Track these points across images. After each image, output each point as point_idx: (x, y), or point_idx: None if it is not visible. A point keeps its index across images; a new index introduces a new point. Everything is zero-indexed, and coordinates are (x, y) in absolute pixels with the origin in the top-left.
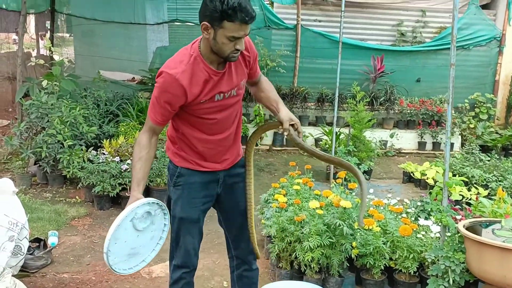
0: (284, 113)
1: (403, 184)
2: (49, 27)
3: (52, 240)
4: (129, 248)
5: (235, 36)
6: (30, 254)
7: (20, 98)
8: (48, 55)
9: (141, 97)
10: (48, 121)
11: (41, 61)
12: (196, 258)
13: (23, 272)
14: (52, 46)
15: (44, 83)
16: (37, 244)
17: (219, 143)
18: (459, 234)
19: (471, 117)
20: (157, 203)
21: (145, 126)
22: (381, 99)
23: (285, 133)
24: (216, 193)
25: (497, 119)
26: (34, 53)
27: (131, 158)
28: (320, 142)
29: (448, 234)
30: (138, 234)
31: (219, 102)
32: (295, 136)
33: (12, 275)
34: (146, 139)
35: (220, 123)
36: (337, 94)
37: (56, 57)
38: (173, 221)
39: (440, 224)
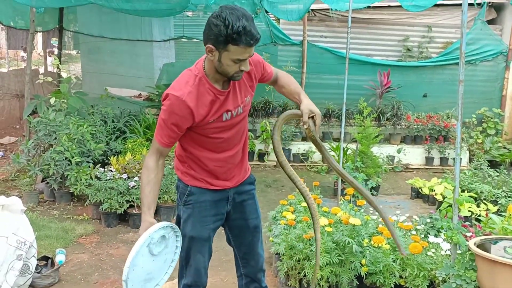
0: (305, 104)
1: (411, 200)
2: (55, 44)
3: (59, 258)
4: (145, 274)
5: (240, 59)
6: (37, 272)
7: (28, 115)
8: (56, 72)
9: (148, 114)
10: (55, 138)
11: (49, 79)
12: (206, 276)
13: None
14: (60, 63)
15: (52, 100)
16: (45, 262)
17: (227, 160)
18: (470, 252)
19: (479, 132)
20: (170, 226)
21: (151, 149)
22: (388, 115)
23: (304, 126)
24: (225, 211)
25: (505, 134)
26: (41, 70)
27: (138, 175)
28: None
29: (459, 251)
30: (153, 259)
31: (227, 122)
32: (313, 131)
33: None
34: (153, 162)
35: (227, 141)
36: (344, 110)
37: (64, 74)
38: (183, 240)
39: (450, 241)
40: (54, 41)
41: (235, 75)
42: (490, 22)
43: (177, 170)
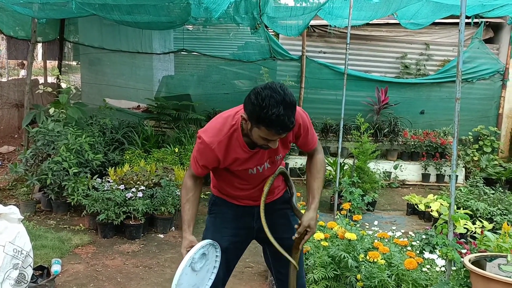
0: (308, 217)
1: (407, 216)
2: (56, 55)
3: (55, 268)
4: (190, 287)
5: (268, 139)
6: (33, 282)
7: (27, 125)
8: (55, 82)
9: (147, 125)
10: (54, 148)
11: (49, 89)
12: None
13: None
14: (60, 74)
15: (51, 110)
16: (41, 272)
17: (255, 190)
18: (465, 269)
19: (475, 150)
20: (209, 243)
21: (189, 171)
22: (385, 131)
23: (296, 235)
24: (252, 227)
25: (501, 152)
26: (41, 80)
27: (136, 187)
28: (325, 173)
29: (454, 268)
30: (196, 273)
31: (252, 174)
32: (299, 246)
33: None
34: (191, 183)
35: (255, 178)
36: (341, 125)
37: (63, 85)
38: None
39: (445, 258)
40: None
41: (262, 146)
42: (487, 41)
43: (211, 183)
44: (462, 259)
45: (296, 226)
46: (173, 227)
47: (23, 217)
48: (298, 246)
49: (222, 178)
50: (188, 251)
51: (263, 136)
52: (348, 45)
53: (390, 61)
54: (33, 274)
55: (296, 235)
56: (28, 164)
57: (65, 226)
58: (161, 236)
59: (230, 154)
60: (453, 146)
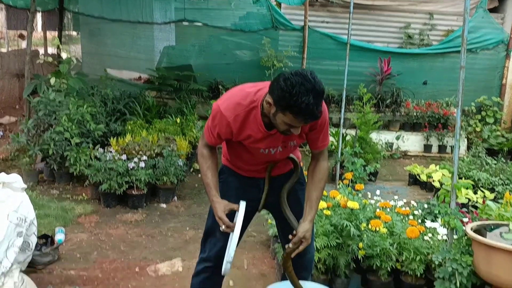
0: (303, 228)
1: (408, 186)
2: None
3: (59, 237)
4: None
5: (292, 125)
6: (37, 250)
7: (28, 95)
8: (56, 52)
9: (148, 96)
10: (55, 118)
11: (50, 59)
12: (222, 256)
13: (30, 268)
14: (60, 44)
15: (52, 80)
16: (45, 240)
17: (262, 168)
18: (466, 237)
19: (477, 120)
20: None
21: (202, 141)
22: (388, 101)
23: (290, 245)
24: (258, 198)
25: (503, 122)
26: (41, 51)
27: (138, 157)
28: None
29: (456, 236)
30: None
31: (263, 154)
32: (291, 255)
33: (20, 271)
34: (207, 151)
35: (265, 157)
36: (344, 96)
37: (64, 55)
38: (208, 215)
39: (447, 226)
40: None
41: (284, 132)
42: (492, 10)
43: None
44: (464, 227)
45: (290, 236)
46: (175, 197)
47: (26, 186)
48: (290, 255)
49: (233, 149)
50: (226, 213)
51: (288, 122)
52: (351, 14)
53: (393, 31)
54: (37, 242)
55: (290, 245)
56: (30, 134)
57: (68, 195)
58: (164, 206)
59: (245, 130)
60: (456, 114)
